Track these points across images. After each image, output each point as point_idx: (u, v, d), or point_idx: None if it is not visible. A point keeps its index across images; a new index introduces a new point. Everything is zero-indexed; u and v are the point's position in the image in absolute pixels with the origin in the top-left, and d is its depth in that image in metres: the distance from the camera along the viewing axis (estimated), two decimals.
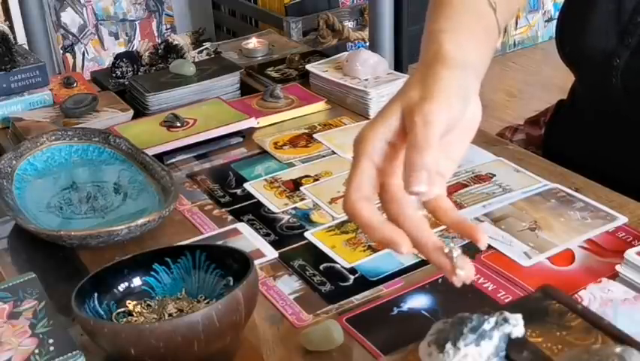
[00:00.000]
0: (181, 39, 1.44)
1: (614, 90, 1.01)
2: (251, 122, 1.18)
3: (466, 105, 0.64)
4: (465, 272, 0.59)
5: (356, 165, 0.62)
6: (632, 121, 1.03)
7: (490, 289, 0.80)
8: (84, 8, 2.95)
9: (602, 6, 1.02)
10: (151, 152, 1.07)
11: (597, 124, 1.11)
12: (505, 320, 0.61)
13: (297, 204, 0.98)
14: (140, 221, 0.88)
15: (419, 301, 0.78)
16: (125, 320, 0.75)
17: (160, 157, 1.09)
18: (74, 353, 0.69)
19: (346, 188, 0.62)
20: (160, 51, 1.42)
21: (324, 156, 1.11)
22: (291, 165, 1.09)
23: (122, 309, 0.76)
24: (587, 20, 1.03)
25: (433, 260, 0.61)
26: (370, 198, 0.62)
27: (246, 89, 1.35)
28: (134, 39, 3.08)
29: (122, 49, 2.93)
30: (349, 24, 2.89)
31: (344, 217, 0.94)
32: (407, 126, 0.61)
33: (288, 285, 0.83)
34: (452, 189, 0.99)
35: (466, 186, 1.00)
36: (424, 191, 0.58)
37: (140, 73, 1.38)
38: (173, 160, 1.12)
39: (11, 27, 2.47)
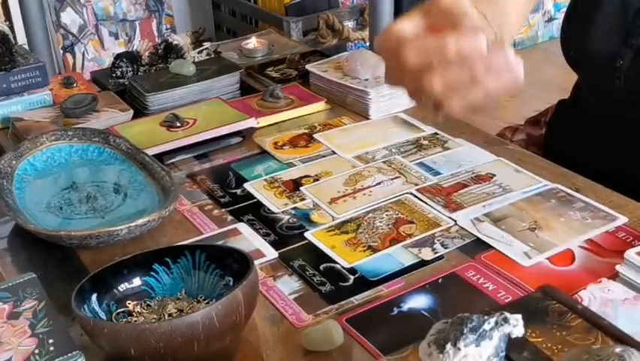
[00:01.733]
0: (181, 39, 1.44)
1: (617, 91, 1.01)
2: (251, 122, 1.18)
3: None
4: None
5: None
6: (634, 122, 1.03)
7: (490, 289, 0.80)
8: (84, 8, 2.95)
9: (606, 7, 1.02)
10: (151, 152, 1.07)
11: (599, 124, 1.11)
12: (505, 320, 0.61)
13: (297, 204, 0.98)
14: (140, 221, 0.88)
15: (419, 301, 0.78)
16: (125, 320, 0.75)
17: (160, 157, 1.09)
18: (74, 353, 0.69)
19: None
20: (160, 51, 1.42)
21: (324, 156, 1.11)
22: (291, 165, 1.09)
23: (122, 309, 0.76)
24: (591, 22, 1.03)
25: None
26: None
27: (246, 89, 1.35)
28: (134, 39, 3.08)
29: (122, 49, 2.93)
30: (349, 24, 2.89)
31: (344, 217, 0.94)
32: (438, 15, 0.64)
33: (288, 285, 0.83)
34: (452, 190, 0.99)
35: (466, 186, 1.00)
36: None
37: (140, 73, 1.38)
38: (173, 160, 1.12)
39: (11, 27, 2.47)
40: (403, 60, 0.65)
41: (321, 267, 0.85)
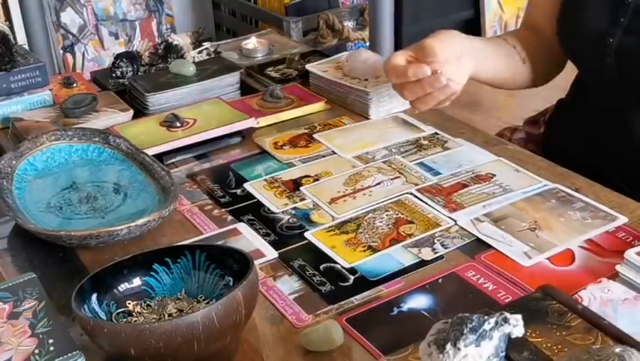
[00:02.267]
0: (181, 39, 1.44)
1: (609, 70, 1.04)
2: (251, 122, 1.18)
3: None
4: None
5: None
6: (627, 112, 1.04)
7: (490, 289, 0.80)
8: (84, 8, 2.95)
9: None
10: (151, 152, 1.07)
11: (596, 118, 1.12)
12: (505, 320, 0.61)
13: (297, 204, 0.98)
14: (140, 221, 0.88)
15: (419, 301, 0.79)
16: (125, 320, 0.75)
17: (160, 157, 1.09)
18: (74, 353, 0.69)
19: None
20: (160, 51, 1.42)
21: (324, 156, 1.11)
22: (291, 165, 1.09)
23: (122, 309, 0.76)
24: (583, 3, 1.08)
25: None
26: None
27: (246, 89, 1.35)
28: (134, 39, 3.08)
29: (122, 49, 2.92)
30: (349, 24, 2.89)
31: (344, 217, 0.94)
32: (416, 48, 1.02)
33: (288, 285, 0.83)
34: (452, 190, 0.99)
35: (466, 186, 1.00)
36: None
37: (140, 73, 1.38)
38: (173, 160, 1.12)
39: (11, 27, 2.47)
40: (389, 79, 1.06)
41: (321, 267, 0.85)
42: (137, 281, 0.78)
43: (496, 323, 0.61)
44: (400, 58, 1.03)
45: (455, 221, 0.92)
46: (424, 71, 0.98)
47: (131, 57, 1.40)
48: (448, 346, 0.60)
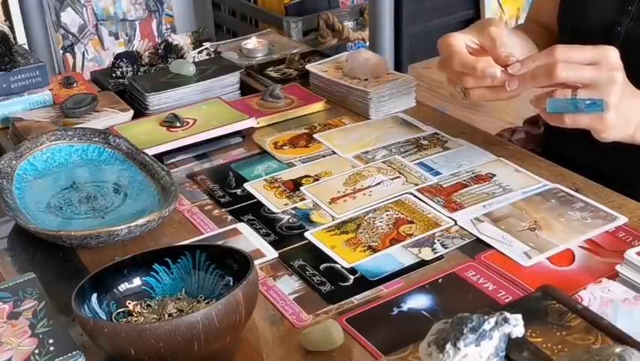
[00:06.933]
0: (181, 39, 1.44)
1: None
2: (251, 122, 1.18)
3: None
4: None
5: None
6: None
7: (490, 289, 0.80)
8: (84, 8, 2.95)
9: None
10: (151, 152, 1.07)
11: None
12: (505, 320, 0.61)
13: (297, 204, 0.98)
14: (140, 221, 0.88)
15: (419, 301, 0.79)
16: (125, 320, 0.75)
17: (160, 157, 1.09)
18: (74, 353, 0.69)
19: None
20: (160, 51, 1.41)
21: (324, 156, 1.11)
22: (291, 165, 1.09)
23: (122, 309, 0.76)
24: None
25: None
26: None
27: (246, 89, 1.35)
28: (134, 39, 3.08)
29: (122, 49, 2.93)
30: (349, 24, 2.89)
31: (344, 217, 0.94)
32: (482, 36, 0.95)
33: (288, 285, 0.83)
34: (452, 190, 0.99)
35: (466, 186, 1.00)
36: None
37: (140, 73, 1.38)
38: (173, 160, 1.12)
39: (11, 27, 2.47)
40: (450, 64, 0.95)
41: (321, 267, 0.85)
42: (137, 281, 0.78)
43: (496, 322, 0.61)
44: (461, 42, 0.96)
45: (455, 221, 0.92)
46: (494, 73, 0.91)
47: (131, 57, 1.41)
48: (448, 346, 0.60)
